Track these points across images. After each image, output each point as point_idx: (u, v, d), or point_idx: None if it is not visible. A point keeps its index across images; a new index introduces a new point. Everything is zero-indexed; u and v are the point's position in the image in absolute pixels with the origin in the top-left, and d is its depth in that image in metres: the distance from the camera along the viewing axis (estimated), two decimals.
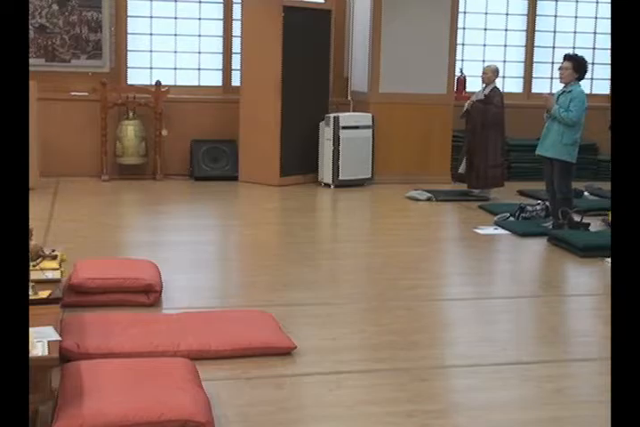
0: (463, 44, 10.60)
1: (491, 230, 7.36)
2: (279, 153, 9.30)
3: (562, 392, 3.87)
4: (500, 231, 7.33)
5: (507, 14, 10.86)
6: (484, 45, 10.83)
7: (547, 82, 11.00)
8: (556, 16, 10.99)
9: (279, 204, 8.74)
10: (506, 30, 10.89)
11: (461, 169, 8.99)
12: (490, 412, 3.64)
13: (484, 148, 8.70)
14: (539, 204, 7.79)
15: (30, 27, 9.36)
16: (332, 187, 9.32)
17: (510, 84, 10.91)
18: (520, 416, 3.62)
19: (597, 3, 11.05)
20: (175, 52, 10.03)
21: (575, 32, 11.08)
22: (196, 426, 3.18)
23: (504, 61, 10.85)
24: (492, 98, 8.68)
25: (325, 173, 9.40)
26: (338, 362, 4.16)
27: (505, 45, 10.92)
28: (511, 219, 7.67)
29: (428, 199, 8.74)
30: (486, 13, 10.79)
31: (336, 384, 3.88)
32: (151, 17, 9.90)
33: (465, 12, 10.55)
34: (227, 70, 10.18)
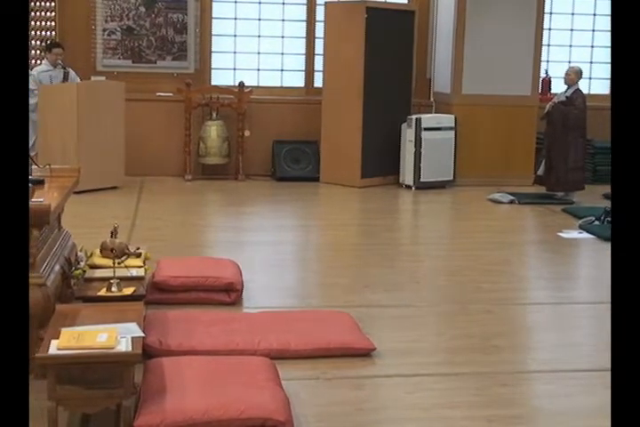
0: (549, 45, 10.46)
1: (575, 234, 7.24)
2: (361, 154, 9.31)
3: None
4: (585, 235, 7.20)
5: (594, 15, 10.67)
6: (570, 46, 10.66)
7: None
8: None
9: (360, 205, 8.74)
10: (593, 31, 10.71)
11: (540, 171, 8.87)
12: (570, 418, 3.59)
13: (565, 150, 8.57)
14: None
15: (118, 28, 9.57)
16: (413, 189, 9.29)
17: (597, 85, 10.72)
18: (601, 424, 3.54)
19: None
20: (258, 53, 10.12)
21: None
22: (275, 425, 3.21)
23: (590, 62, 10.67)
24: (574, 100, 8.55)
25: (407, 175, 9.37)
26: (417, 364, 4.14)
27: (592, 46, 10.73)
28: (596, 223, 7.52)
29: (511, 202, 8.65)
30: (573, 14, 10.62)
31: (415, 387, 3.86)
32: (235, 18, 10.01)
33: (551, 13, 10.40)
34: (309, 71, 10.22)
